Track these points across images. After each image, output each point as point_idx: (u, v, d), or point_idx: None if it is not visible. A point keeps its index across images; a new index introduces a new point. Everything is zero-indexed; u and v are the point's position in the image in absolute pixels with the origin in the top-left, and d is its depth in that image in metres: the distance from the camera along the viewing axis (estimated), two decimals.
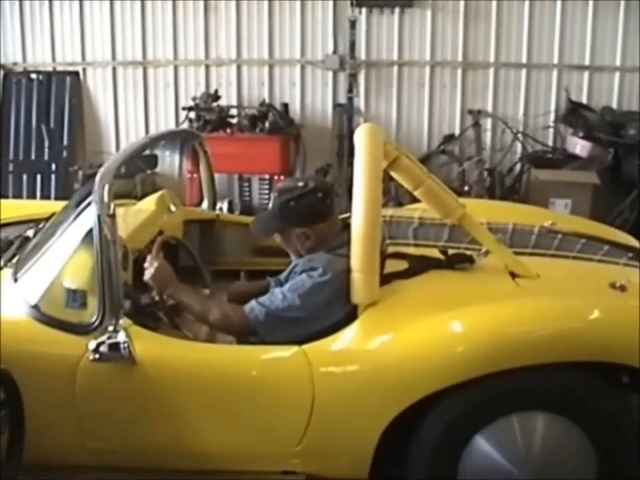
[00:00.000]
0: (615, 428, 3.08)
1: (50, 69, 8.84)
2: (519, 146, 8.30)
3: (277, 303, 3.24)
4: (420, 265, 3.46)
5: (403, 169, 3.56)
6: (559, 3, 8.02)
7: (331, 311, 3.20)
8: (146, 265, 3.49)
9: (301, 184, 3.44)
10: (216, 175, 4.94)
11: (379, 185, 3.25)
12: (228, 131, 7.94)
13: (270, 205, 3.52)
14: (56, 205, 4.51)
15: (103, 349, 3.08)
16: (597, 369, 3.06)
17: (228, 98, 8.45)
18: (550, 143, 8.30)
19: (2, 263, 3.82)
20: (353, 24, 8.13)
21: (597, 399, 3.09)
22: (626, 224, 6.70)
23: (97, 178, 3.20)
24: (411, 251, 3.70)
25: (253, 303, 3.29)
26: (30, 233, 4.16)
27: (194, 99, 8.18)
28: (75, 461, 3.29)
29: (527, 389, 3.07)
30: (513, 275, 3.47)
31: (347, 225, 3.31)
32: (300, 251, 3.44)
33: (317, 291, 3.21)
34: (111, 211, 3.12)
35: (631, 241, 4.40)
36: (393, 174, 3.59)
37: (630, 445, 3.09)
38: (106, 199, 3.12)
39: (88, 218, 3.22)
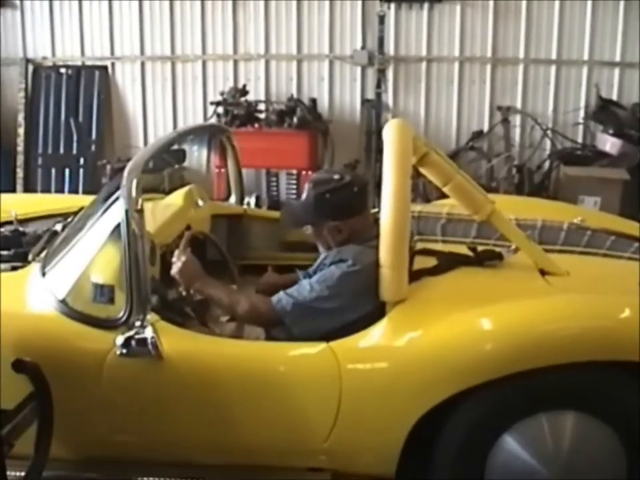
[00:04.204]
0: None
1: (79, 63, 8.89)
2: (548, 143, 8.24)
3: (304, 294, 3.23)
4: (449, 262, 3.43)
5: (432, 164, 3.54)
6: None
7: (360, 303, 3.19)
8: (173, 259, 3.48)
9: (336, 176, 3.42)
10: (243, 170, 4.94)
11: (408, 180, 3.22)
12: (256, 125, 7.97)
13: (303, 196, 3.50)
14: (84, 199, 4.53)
15: (130, 343, 3.07)
16: (627, 367, 3.01)
17: (256, 93, 8.45)
18: (579, 139, 8.25)
19: (30, 257, 3.84)
20: (381, 19, 8.11)
21: (627, 398, 3.05)
22: None
23: (125, 172, 3.19)
24: (440, 247, 3.67)
25: (280, 293, 3.28)
26: (58, 227, 4.18)
27: (222, 93, 8.20)
28: (103, 455, 3.29)
29: (556, 388, 3.03)
30: (543, 272, 3.44)
31: (377, 220, 3.28)
32: (330, 245, 3.42)
33: (346, 281, 3.20)
34: (139, 206, 3.11)
35: None
36: (422, 170, 3.57)
37: None
38: (134, 193, 3.11)
39: (116, 213, 3.21)
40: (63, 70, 8.87)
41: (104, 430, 3.26)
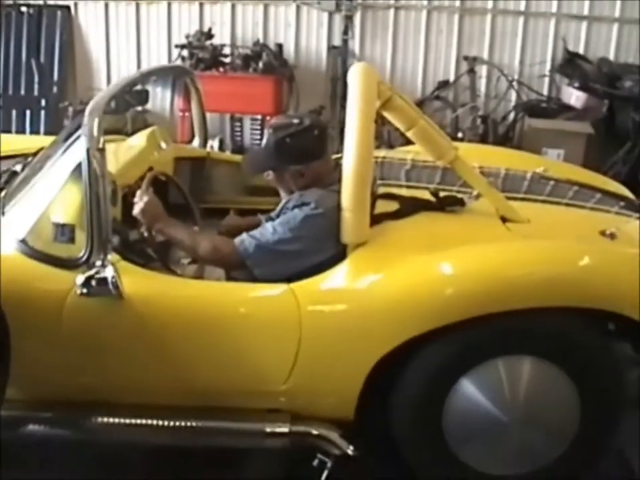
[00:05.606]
0: (599, 374, 3.10)
1: (41, 2, 8.70)
2: (513, 94, 8.27)
3: (267, 236, 3.23)
4: (410, 206, 3.44)
5: (396, 109, 3.52)
6: None
7: (322, 246, 3.19)
8: (135, 199, 3.45)
9: (296, 121, 3.40)
10: (208, 114, 4.90)
11: (372, 123, 3.22)
12: (221, 69, 7.89)
13: (264, 142, 3.47)
14: (45, 140, 4.47)
15: (90, 283, 3.05)
16: (583, 315, 3.06)
17: (222, 37, 8.34)
18: (545, 92, 8.27)
19: None
20: None
21: (583, 344, 3.11)
22: (618, 176, 6.65)
23: (87, 111, 3.13)
24: (403, 192, 3.68)
25: (243, 235, 3.27)
26: (18, 167, 4.11)
27: (187, 36, 8.11)
28: (66, 397, 3.28)
29: (514, 333, 3.07)
30: (504, 219, 3.47)
31: (339, 165, 3.28)
32: (293, 189, 3.41)
33: (309, 224, 3.20)
34: (101, 145, 3.06)
35: (622, 190, 4.39)
36: (385, 114, 3.55)
37: (613, 391, 3.13)
38: (95, 132, 3.05)
39: (77, 152, 3.17)
40: (24, 9, 8.68)
41: (66, 372, 3.25)
